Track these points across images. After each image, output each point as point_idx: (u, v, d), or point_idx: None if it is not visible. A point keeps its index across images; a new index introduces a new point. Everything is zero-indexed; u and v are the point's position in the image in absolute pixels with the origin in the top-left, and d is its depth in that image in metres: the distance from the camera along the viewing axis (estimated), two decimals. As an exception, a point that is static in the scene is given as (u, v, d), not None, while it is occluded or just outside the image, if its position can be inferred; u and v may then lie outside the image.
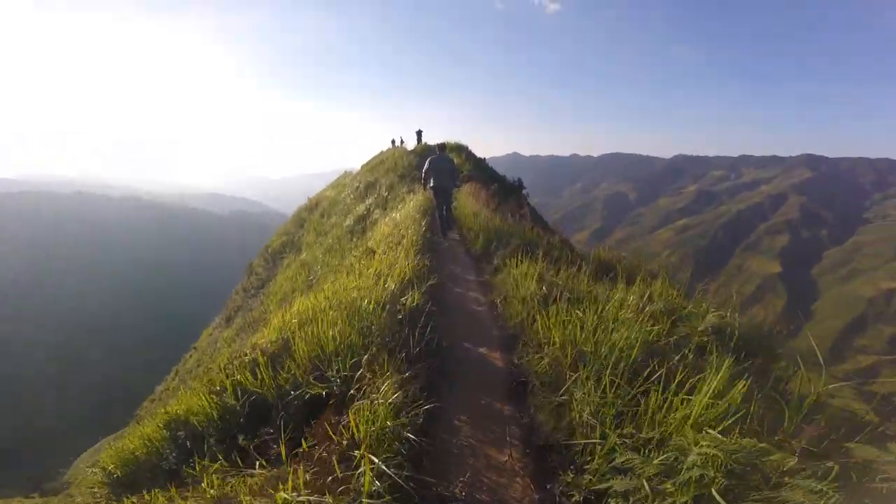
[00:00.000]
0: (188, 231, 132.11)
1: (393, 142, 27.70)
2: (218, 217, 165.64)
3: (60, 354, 63.93)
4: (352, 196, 16.69)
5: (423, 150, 22.00)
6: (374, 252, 6.12)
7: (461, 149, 21.01)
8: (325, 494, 1.77)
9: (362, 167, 26.68)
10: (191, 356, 23.14)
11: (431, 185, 8.78)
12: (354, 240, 10.53)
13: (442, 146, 9.31)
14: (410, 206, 8.95)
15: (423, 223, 7.60)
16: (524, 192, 17.54)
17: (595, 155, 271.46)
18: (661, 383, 2.19)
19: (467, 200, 9.44)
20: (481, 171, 17.26)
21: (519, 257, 5.17)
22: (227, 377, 3.17)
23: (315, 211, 22.75)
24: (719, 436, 1.80)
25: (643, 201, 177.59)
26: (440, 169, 8.81)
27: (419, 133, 25.95)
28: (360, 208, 12.76)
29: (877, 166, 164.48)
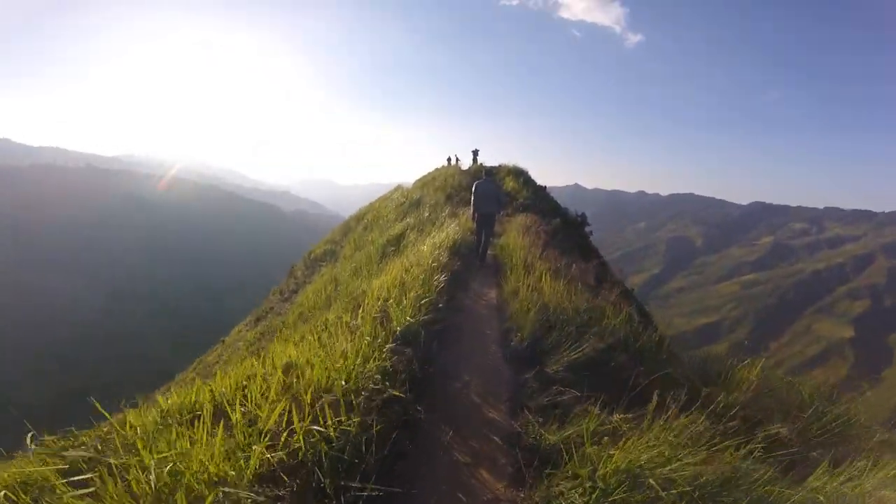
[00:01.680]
0: (255, 223, 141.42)
1: (449, 160, 26.70)
2: (281, 213, 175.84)
3: (112, 316, 70.59)
4: (394, 212, 15.58)
5: (477, 171, 20.77)
6: (358, 307, 4.51)
7: (520, 173, 19.35)
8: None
9: (414, 183, 25.80)
10: (216, 349, 23.04)
11: (475, 210, 8.79)
12: (384, 262, 9.17)
13: (489, 171, 9.39)
14: (442, 237, 7.44)
15: (439, 274, 5.77)
16: (588, 229, 15.52)
17: (664, 194, 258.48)
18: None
19: (517, 238, 7.68)
20: (541, 200, 15.49)
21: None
22: None
23: (361, 222, 22.02)
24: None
25: (711, 249, 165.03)
26: (485, 194, 8.79)
27: (475, 152, 24.71)
28: (397, 228, 11.52)
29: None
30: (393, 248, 10.18)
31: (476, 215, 8.79)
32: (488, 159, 24.47)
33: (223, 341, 24.21)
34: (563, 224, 11.35)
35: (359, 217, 23.56)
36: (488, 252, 8.95)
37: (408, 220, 11.74)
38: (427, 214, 11.76)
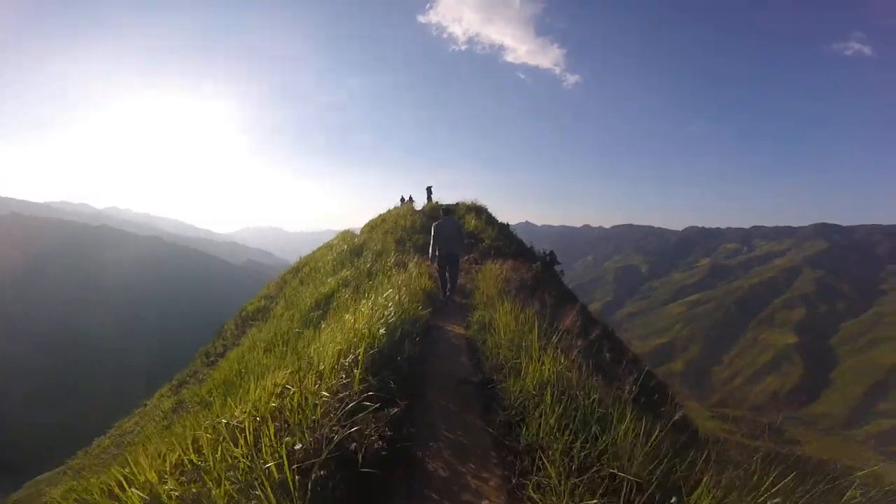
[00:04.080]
0: (203, 276, 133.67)
1: (402, 199, 24.58)
2: (232, 266, 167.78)
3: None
4: (331, 263, 12.93)
5: (433, 209, 18.72)
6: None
7: (480, 210, 17.41)
8: None
9: (363, 227, 23.28)
10: (136, 414, 19.13)
11: (437, 253, 8.23)
12: (307, 331, 6.49)
13: (448, 209, 8.90)
14: (381, 300, 4.99)
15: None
16: (558, 268, 13.56)
17: (607, 226, 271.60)
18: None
19: (503, 310, 5.51)
20: (507, 239, 13.40)
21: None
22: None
23: (298, 274, 19.13)
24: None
25: (656, 274, 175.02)
26: (446, 234, 8.29)
27: (429, 189, 22.82)
28: (330, 283, 8.93)
29: (892, 233, 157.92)
30: (318, 313, 7.55)
31: (437, 257, 8.26)
32: (443, 197, 22.61)
33: (145, 405, 20.29)
34: (542, 268, 9.28)
35: (296, 269, 20.79)
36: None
37: (343, 272, 9.15)
38: (369, 265, 9.23)
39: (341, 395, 2.69)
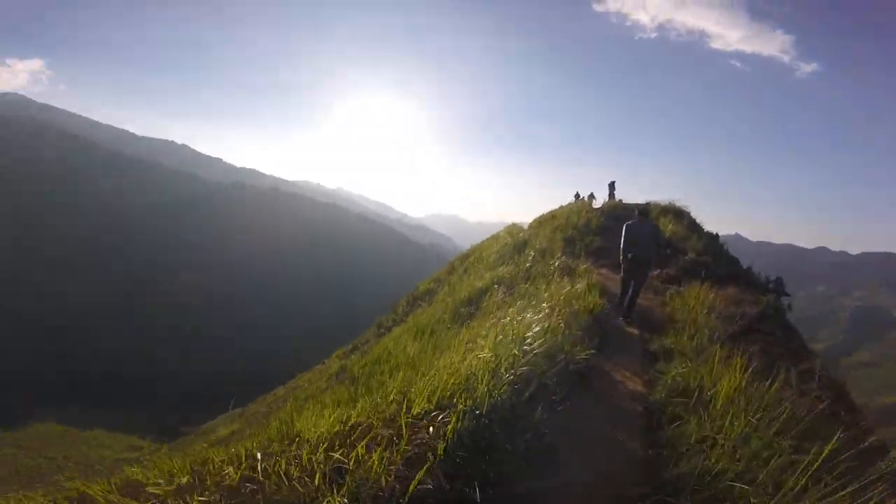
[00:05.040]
0: (396, 253, 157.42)
1: (577, 195, 22.51)
2: (420, 247, 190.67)
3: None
4: (494, 256, 12.26)
5: (614, 208, 16.29)
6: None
7: (680, 214, 14.15)
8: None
9: (532, 221, 22.24)
10: (313, 370, 22.61)
11: (628, 257, 6.92)
12: (455, 328, 5.87)
13: (644, 210, 7.38)
14: (529, 316, 3.68)
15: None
16: (786, 301, 9.91)
17: (852, 252, 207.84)
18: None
19: (712, 338, 3.57)
20: (716, 254, 10.32)
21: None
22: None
23: (464, 263, 19.41)
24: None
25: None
26: (639, 235, 6.95)
27: (612, 185, 20.14)
28: (486, 278, 8.21)
29: None
30: (470, 309, 6.88)
31: (625, 261, 6.95)
32: (629, 198, 19.71)
33: (323, 363, 23.90)
34: (772, 303, 6.58)
35: (464, 257, 21.15)
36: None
37: (501, 269, 8.31)
38: (529, 265, 8.12)
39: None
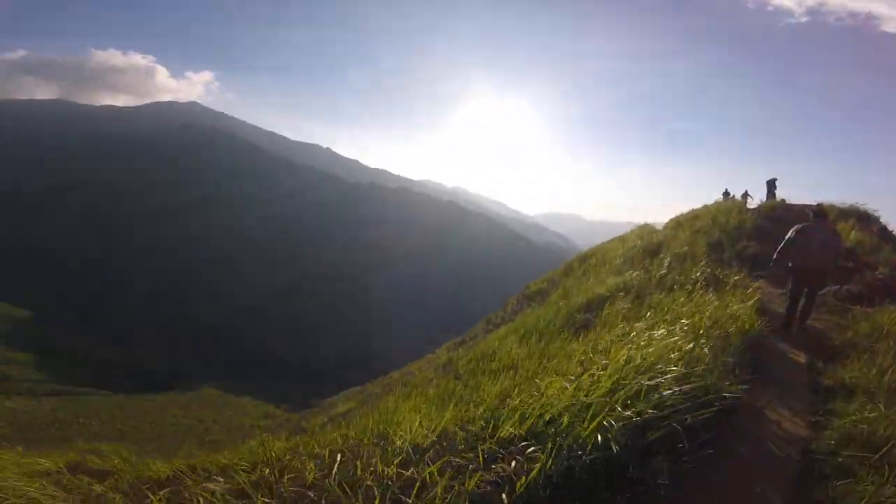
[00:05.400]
0: (509, 250, 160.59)
1: (726, 194, 19.43)
2: (534, 246, 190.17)
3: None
4: (619, 259, 11.14)
5: (773, 209, 13.66)
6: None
7: (866, 220, 11.25)
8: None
9: (667, 223, 19.93)
10: (424, 358, 23.70)
11: (797, 266, 5.86)
12: (567, 336, 5.46)
13: (819, 212, 6.01)
14: (657, 338, 3.01)
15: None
16: None
17: None
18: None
19: None
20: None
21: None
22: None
23: (584, 264, 18.21)
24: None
25: None
26: (812, 245, 5.73)
27: (772, 183, 16.92)
28: (608, 283, 7.42)
29: None
30: (586, 316, 6.26)
31: (793, 271, 5.94)
32: (791, 199, 16.37)
33: (434, 352, 25.06)
34: None
35: (582, 258, 19.83)
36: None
37: (628, 274, 7.43)
38: (663, 272, 7.08)
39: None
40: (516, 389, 2.58)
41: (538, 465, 1.71)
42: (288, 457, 2.07)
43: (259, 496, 1.69)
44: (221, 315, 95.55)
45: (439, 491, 1.64)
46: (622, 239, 19.27)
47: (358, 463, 1.89)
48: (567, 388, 2.15)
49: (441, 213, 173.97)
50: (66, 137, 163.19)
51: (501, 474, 1.73)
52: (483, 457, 1.84)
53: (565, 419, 1.90)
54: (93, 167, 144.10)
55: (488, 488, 1.67)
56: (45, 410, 24.02)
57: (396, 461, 1.87)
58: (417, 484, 1.70)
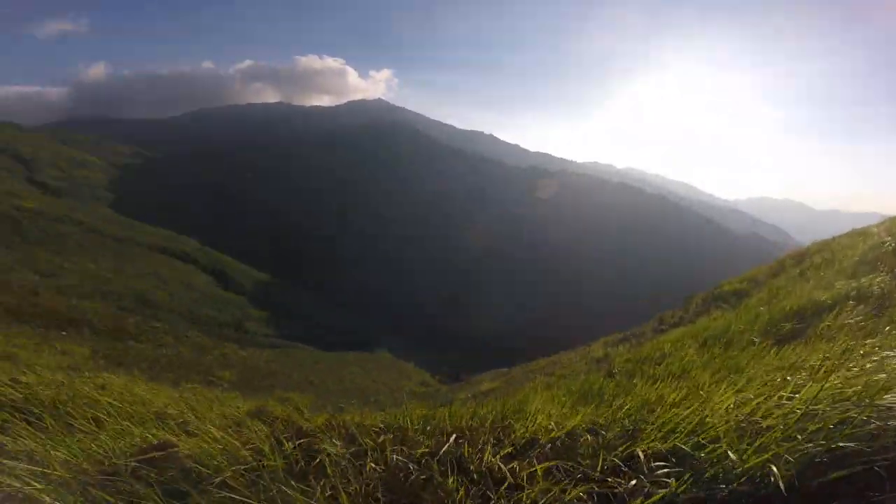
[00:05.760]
0: (696, 239, 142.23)
1: None
2: (730, 235, 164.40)
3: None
4: (857, 258, 8.66)
5: None
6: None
7: None
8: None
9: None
10: (575, 350, 23.10)
11: None
12: (764, 347, 4.67)
13: None
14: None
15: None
16: None
17: None
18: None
19: None
20: None
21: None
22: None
23: (802, 262, 15.00)
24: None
25: None
26: None
27: None
28: (837, 288, 5.91)
29: None
30: (802, 326, 5.14)
31: None
32: None
33: (588, 345, 24.15)
34: None
35: (802, 254, 16.12)
36: None
37: (866, 279, 5.77)
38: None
39: None
40: (673, 397, 2.36)
41: (662, 492, 1.49)
42: (417, 425, 2.22)
43: (370, 461, 1.82)
44: (404, 293, 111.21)
45: (533, 493, 1.58)
46: (864, 233, 14.87)
47: (467, 446, 1.89)
48: (741, 407, 1.86)
49: (606, 195, 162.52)
50: (298, 134, 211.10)
51: (613, 491, 1.57)
52: (603, 468, 1.71)
53: (724, 444, 1.61)
54: (325, 159, 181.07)
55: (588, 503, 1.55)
56: (263, 361, 28.70)
57: (503, 452, 1.86)
58: (508, 480, 1.68)
